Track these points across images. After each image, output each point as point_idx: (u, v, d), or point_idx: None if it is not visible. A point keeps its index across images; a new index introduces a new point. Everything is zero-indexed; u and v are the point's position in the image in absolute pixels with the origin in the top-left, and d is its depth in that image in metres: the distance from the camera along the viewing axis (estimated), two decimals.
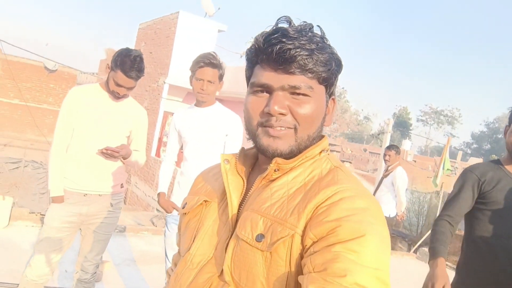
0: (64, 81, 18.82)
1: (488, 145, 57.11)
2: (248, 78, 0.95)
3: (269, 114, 0.87)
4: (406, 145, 36.88)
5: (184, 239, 1.03)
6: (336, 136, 50.36)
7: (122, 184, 2.68)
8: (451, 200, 2.18)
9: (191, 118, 2.70)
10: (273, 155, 0.89)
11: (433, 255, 2.04)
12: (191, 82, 2.65)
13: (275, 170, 0.90)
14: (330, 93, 0.94)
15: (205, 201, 1.01)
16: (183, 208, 1.06)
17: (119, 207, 2.69)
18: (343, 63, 0.93)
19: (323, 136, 0.97)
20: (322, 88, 0.91)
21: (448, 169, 7.49)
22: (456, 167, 26.03)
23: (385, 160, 5.63)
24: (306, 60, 0.85)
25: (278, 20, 0.91)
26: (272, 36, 0.86)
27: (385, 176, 5.60)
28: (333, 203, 0.80)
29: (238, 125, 2.68)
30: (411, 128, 60.45)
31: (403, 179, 5.42)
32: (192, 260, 0.95)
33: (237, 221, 0.91)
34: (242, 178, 0.97)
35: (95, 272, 2.69)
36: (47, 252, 2.49)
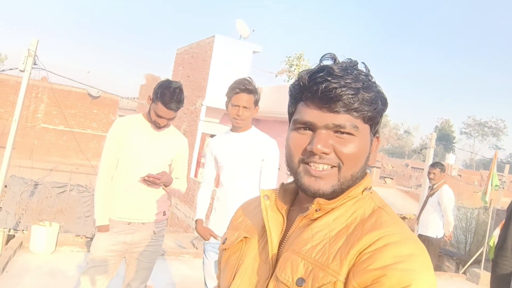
0: (107, 107, 19.52)
1: None
2: (291, 114, 0.94)
3: (312, 152, 0.86)
4: (450, 159, 35.68)
5: (224, 275, 1.02)
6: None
7: (164, 212, 2.71)
8: (507, 229, 2.09)
9: (227, 144, 2.70)
10: (315, 195, 0.88)
11: None
12: (227, 107, 2.66)
13: (316, 210, 0.88)
14: (374, 132, 0.92)
15: (245, 237, 1.00)
16: (223, 243, 1.05)
17: (162, 234, 2.71)
18: (388, 101, 0.91)
19: (365, 174, 0.94)
20: (367, 127, 0.89)
21: (496, 185, 7.14)
22: (504, 181, 24.88)
23: (429, 179, 5.43)
24: (351, 99, 0.84)
25: (322, 57, 0.90)
26: (318, 75, 0.85)
27: (430, 195, 5.39)
28: (377, 249, 0.77)
29: (274, 149, 2.66)
30: (454, 141, 58.50)
31: (450, 198, 5.20)
32: None
33: (277, 260, 0.90)
34: (282, 215, 0.96)
35: None
36: (93, 281, 2.52)
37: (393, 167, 37.04)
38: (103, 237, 2.53)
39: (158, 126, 2.59)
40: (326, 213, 0.88)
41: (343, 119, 0.85)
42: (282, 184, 1.01)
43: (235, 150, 2.65)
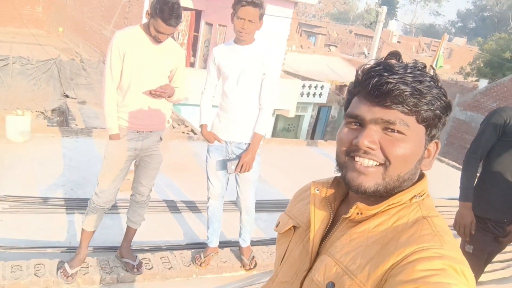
0: None
1: (474, 23, 56.32)
2: (346, 110, 0.93)
3: (357, 147, 0.85)
4: (392, 26, 36.48)
5: (276, 256, 1.08)
6: (322, 16, 48.89)
7: (168, 120, 2.97)
8: (481, 137, 2.60)
9: (231, 55, 2.86)
10: (357, 191, 0.86)
11: (464, 199, 2.58)
12: (232, 20, 2.76)
13: (358, 214, 0.87)
14: (431, 136, 0.88)
15: (294, 226, 1.02)
16: (276, 226, 1.09)
17: (166, 140, 3.01)
18: (452, 106, 0.87)
19: (421, 178, 0.90)
20: (421, 128, 0.85)
21: (440, 66, 7.78)
22: (443, 51, 26.10)
23: None
24: (404, 95, 0.80)
25: (387, 56, 0.89)
26: (373, 69, 0.84)
27: None
28: (409, 263, 0.76)
29: (275, 63, 2.86)
30: (397, 6, 58.77)
31: None
32: (276, 281, 1.02)
33: (317, 255, 0.92)
34: (330, 211, 0.96)
35: (149, 195, 3.11)
36: (110, 182, 2.86)
37: (338, 34, 37.39)
38: (116, 144, 2.80)
39: (158, 41, 2.70)
40: (368, 218, 0.87)
41: (393, 115, 0.82)
42: (336, 177, 0.99)
43: (239, 62, 2.83)
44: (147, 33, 2.71)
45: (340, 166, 0.90)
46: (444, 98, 0.85)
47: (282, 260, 1.01)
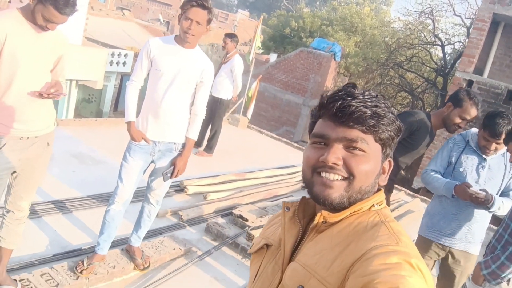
0: None
1: None
2: (310, 132, 1.01)
3: (323, 163, 0.93)
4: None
5: (250, 275, 1.13)
6: None
7: (54, 122, 2.56)
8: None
9: (171, 53, 2.72)
10: (324, 203, 0.94)
11: None
12: (179, 20, 2.65)
13: (323, 222, 0.94)
14: (386, 154, 0.99)
15: (266, 244, 1.08)
16: (250, 248, 1.16)
17: (52, 144, 2.59)
18: (402, 129, 0.99)
19: (378, 191, 1.00)
20: (378, 146, 0.95)
21: (258, 47, 8.42)
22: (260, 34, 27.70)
23: (223, 47, 6.12)
24: (364, 117, 0.91)
25: (344, 86, 0.98)
26: (336, 94, 0.94)
27: (224, 62, 6.12)
28: (367, 259, 0.82)
29: (212, 74, 2.83)
30: None
31: (241, 66, 6.07)
32: None
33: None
34: (300, 226, 1.02)
35: (28, 209, 2.65)
36: None
37: None
38: None
39: (45, 30, 2.28)
40: (332, 225, 0.94)
41: (355, 133, 0.92)
42: (304, 197, 1.06)
43: (177, 62, 2.70)
44: (28, 19, 2.24)
45: (307, 182, 0.98)
46: (396, 122, 0.97)
47: (255, 278, 1.07)
